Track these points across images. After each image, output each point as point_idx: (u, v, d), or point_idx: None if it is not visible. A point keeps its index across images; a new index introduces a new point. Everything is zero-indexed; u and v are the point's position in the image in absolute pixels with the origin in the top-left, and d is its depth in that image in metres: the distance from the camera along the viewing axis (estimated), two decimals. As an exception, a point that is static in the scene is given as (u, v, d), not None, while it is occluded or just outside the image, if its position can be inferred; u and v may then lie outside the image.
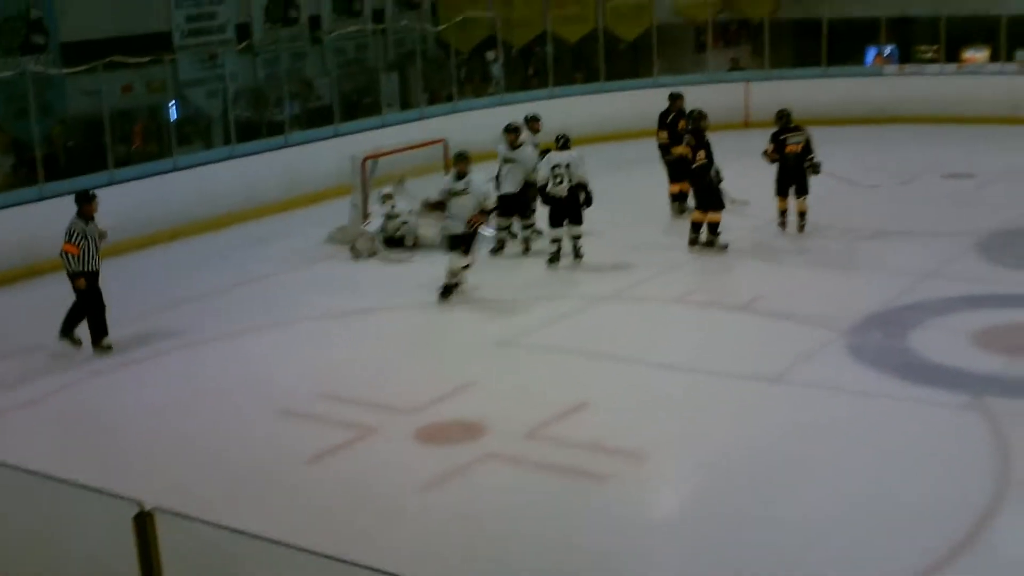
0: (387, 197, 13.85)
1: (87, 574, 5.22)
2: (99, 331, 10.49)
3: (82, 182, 13.39)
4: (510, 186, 13.22)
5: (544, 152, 13.03)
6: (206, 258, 14.14)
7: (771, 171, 13.51)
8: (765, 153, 13.50)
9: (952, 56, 21.41)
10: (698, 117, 13.06)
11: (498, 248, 13.32)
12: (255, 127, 18.18)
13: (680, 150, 13.42)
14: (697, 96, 14.74)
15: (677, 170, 14.13)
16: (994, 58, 21.06)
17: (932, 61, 21.67)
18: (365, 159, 14.19)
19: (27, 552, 5.46)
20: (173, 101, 17.84)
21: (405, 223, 13.63)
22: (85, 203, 10.47)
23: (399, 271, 13.00)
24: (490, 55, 22.81)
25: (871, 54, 22.87)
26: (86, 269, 10.32)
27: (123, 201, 13.51)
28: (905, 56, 22.56)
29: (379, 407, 8.90)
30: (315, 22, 21.05)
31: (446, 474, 7.71)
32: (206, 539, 4.78)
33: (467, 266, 11.65)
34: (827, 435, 8.10)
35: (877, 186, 15.37)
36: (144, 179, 15.12)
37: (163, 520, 4.81)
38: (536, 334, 10.55)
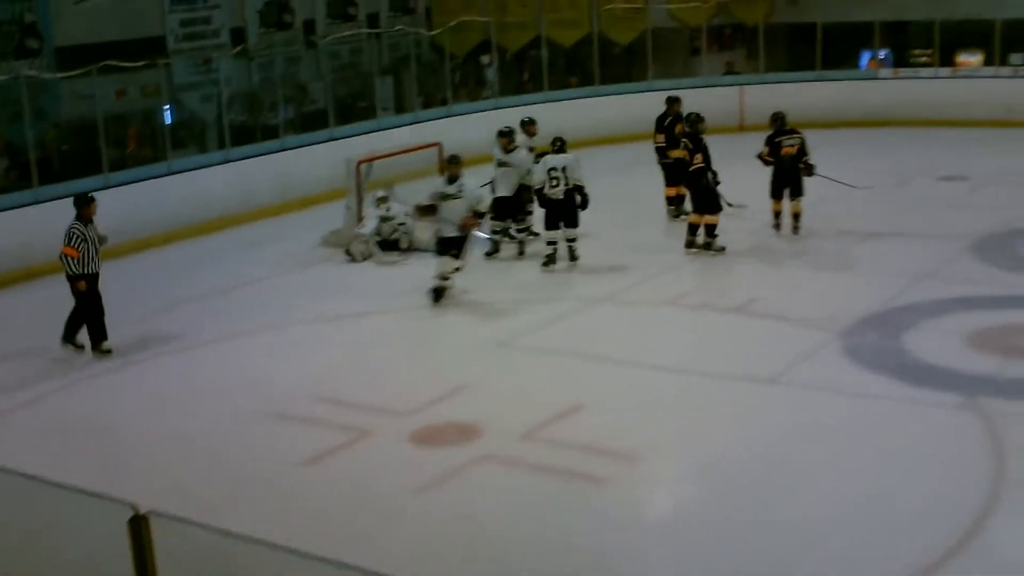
0: (382, 200, 13.85)
1: (82, 577, 5.21)
2: (98, 335, 10.47)
3: (76, 186, 13.38)
4: (504, 189, 13.27)
5: (540, 155, 13.05)
6: (200, 261, 14.13)
7: (766, 174, 13.53)
8: (760, 155, 13.53)
9: (946, 60, 21.44)
10: (695, 120, 13.08)
11: (493, 251, 13.33)
12: (249, 131, 18.16)
13: (677, 153, 13.43)
14: (692, 100, 14.76)
15: (674, 173, 14.13)
16: (988, 62, 21.09)
17: (926, 65, 21.69)
18: (359, 163, 14.20)
19: (22, 556, 5.44)
20: (167, 105, 17.81)
21: (403, 224, 13.62)
22: (84, 206, 10.45)
23: (394, 274, 13.00)
24: (485, 59, 22.83)
25: (865, 58, 22.90)
26: (86, 272, 10.29)
27: (117, 205, 13.46)
28: (899, 60, 22.58)
29: (375, 409, 8.89)
30: (309, 26, 21.04)
31: (443, 476, 7.70)
32: (201, 542, 4.75)
33: (457, 269, 11.64)
34: (824, 436, 8.10)
35: (872, 187, 15.38)
36: (138, 183, 15.08)
37: (158, 523, 4.79)
38: (532, 336, 10.55)
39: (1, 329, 11.56)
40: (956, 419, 8.27)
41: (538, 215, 13.11)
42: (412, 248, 13.62)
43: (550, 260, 12.71)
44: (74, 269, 10.26)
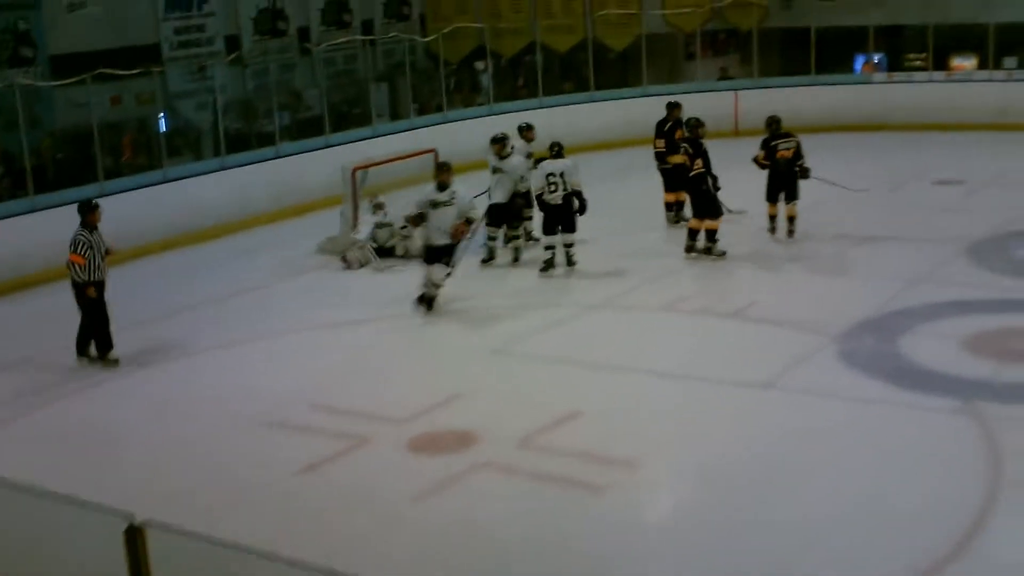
0: (378, 207, 13.85)
1: (79, 587, 5.20)
2: (104, 345, 10.43)
3: (72, 194, 13.38)
4: (499, 196, 13.25)
5: (538, 161, 13.06)
6: (197, 269, 14.12)
7: (762, 178, 13.54)
8: (756, 159, 13.54)
9: (940, 64, 21.49)
10: (695, 125, 13.09)
11: (489, 258, 13.33)
12: (245, 138, 18.17)
13: (677, 159, 13.44)
14: (687, 105, 14.76)
15: (673, 179, 14.14)
16: (982, 65, 21.12)
17: (921, 69, 21.75)
18: (355, 170, 14.19)
19: (18, 566, 5.43)
20: (162, 113, 17.83)
21: (404, 228, 13.58)
22: (89, 212, 10.43)
23: (390, 281, 12.98)
24: (479, 65, 22.84)
25: (860, 62, 22.96)
26: (92, 279, 10.27)
27: (113, 213, 13.33)
28: (894, 64, 22.64)
29: (373, 416, 8.88)
30: (304, 33, 21.06)
31: (441, 483, 7.69)
32: (197, 552, 4.75)
33: (448, 275, 11.58)
34: (821, 440, 8.10)
35: (867, 190, 15.39)
36: (134, 191, 15.07)
37: (154, 534, 4.79)
38: (529, 342, 10.55)
39: (-4, 338, 11.54)
40: (952, 423, 8.27)
41: (537, 220, 13.12)
42: (408, 255, 13.60)
43: (548, 265, 12.71)
44: (81, 276, 10.23)
